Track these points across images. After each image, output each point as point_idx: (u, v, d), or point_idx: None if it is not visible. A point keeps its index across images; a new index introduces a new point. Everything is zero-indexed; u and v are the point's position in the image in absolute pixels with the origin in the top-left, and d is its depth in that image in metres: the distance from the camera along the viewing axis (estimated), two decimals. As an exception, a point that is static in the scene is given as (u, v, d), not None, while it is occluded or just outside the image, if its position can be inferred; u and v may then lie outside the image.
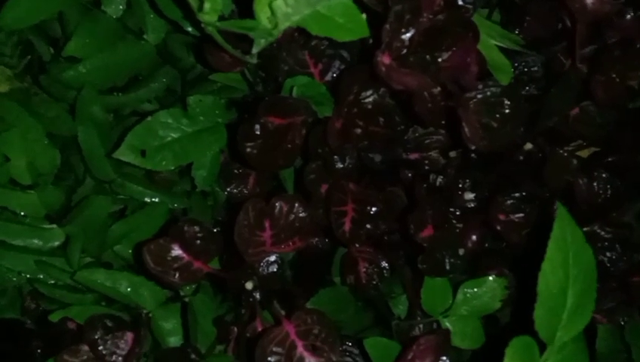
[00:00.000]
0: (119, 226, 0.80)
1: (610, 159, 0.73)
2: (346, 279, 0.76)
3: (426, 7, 0.59)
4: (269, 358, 0.64)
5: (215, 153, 0.76)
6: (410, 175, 0.72)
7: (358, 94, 0.65)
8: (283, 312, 0.68)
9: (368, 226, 0.69)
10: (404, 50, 0.59)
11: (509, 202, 0.69)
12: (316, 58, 0.69)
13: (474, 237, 0.71)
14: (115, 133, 0.79)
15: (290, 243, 0.69)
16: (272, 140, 0.66)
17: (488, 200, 0.70)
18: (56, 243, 0.80)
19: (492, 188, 0.70)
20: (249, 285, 0.70)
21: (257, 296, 0.70)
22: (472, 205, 0.70)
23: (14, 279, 0.81)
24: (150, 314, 0.76)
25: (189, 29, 0.77)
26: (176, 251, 0.69)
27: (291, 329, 0.64)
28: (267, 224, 0.67)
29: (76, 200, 0.80)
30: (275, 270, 0.70)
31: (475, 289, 0.73)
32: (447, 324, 0.73)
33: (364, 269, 0.75)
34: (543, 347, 0.53)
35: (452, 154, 0.71)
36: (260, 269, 0.70)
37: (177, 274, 0.69)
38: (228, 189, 0.77)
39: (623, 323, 0.73)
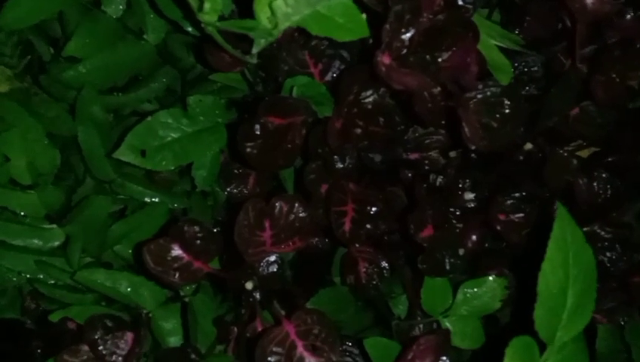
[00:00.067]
0: (119, 226, 0.80)
1: (610, 159, 0.73)
2: (346, 279, 0.76)
3: (426, 7, 0.59)
4: (269, 358, 0.64)
5: (215, 153, 0.76)
6: (410, 175, 0.72)
7: (358, 94, 0.65)
8: (283, 312, 0.68)
9: (368, 226, 0.69)
10: (404, 50, 0.59)
11: (509, 202, 0.69)
12: (316, 58, 0.69)
13: (474, 237, 0.71)
14: (115, 133, 0.79)
15: (290, 243, 0.69)
16: (272, 140, 0.66)
17: (488, 200, 0.70)
18: (56, 243, 0.80)
19: (492, 188, 0.70)
20: (249, 285, 0.70)
21: (257, 295, 0.70)
22: (472, 205, 0.70)
23: (14, 279, 0.81)
24: (150, 314, 0.76)
25: (189, 29, 0.77)
26: (177, 251, 0.69)
27: (291, 329, 0.64)
28: (267, 224, 0.67)
29: (76, 200, 0.80)
30: (275, 270, 0.70)
31: (475, 289, 0.73)
32: (447, 324, 0.73)
33: (364, 269, 0.75)
34: (543, 347, 0.53)
35: (452, 154, 0.71)
36: (260, 269, 0.70)
37: (177, 274, 0.69)
38: (228, 189, 0.77)
39: (623, 323, 0.73)
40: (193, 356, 0.71)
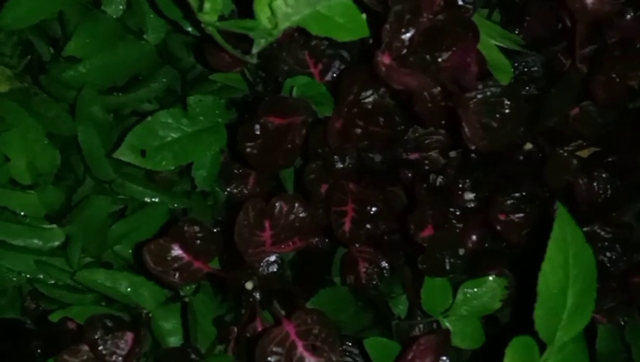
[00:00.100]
0: (119, 226, 0.80)
1: (610, 159, 0.73)
2: (346, 279, 0.76)
3: (426, 7, 0.59)
4: (269, 358, 0.64)
5: (215, 153, 0.76)
6: (410, 175, 0.72)
7: (358, 94, 0.65)
8: (283, 312, 0.68)
9: (368, 226, 0.69)
10: (404, 50, 0.59)
11: (509, 202, 0.69)
12: (316, 58, 0.69)
13: (474, 237, 0.71)
14: (115, 133, 0.79)
15: (290, 243, 0.69)
16: (272, 140, 0.66)
17: (488, 200, 0.70)
18: (56, 243, 0.80)
19: (492, 188, 0.70)
20: (249, 285, 0.70)
21: (257, 295, 0.70)
22: (472, 205, 0.70)
23: (14, 279, 0.81)
24: (150, 314, 0.76)
25: (189, 28, 0.77)
26: (177, 251, 0.69)
27: (291, 329, 0.64)
28: (267, 224, 0.67)
29: (76, 200, 0.80)
30: (275, 270, 0.70)
31: (475, 289, 0.73)
32: (447, 324, 0.73)
33: (364, 269, 0.75)
34: (543, 347, 0.53)
35: (452, 154, 0.71)
36: (260, 269, 0.70)
37: (177, 274, 0.69)
38: (228, 189, 0.77)
39: (623, 323, 0.73)
40: (193, 356, 0.71)
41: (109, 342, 0.71)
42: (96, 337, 0.71)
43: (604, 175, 0.70)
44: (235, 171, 0.77)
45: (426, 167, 0.71)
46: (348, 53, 0.69)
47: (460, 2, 0.62)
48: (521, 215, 0.69)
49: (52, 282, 0.80)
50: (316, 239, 0.75)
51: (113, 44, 0.80)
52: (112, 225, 0.80)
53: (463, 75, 0.61)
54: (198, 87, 0.80)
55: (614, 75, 0.67)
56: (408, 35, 0.59)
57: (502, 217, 0.69)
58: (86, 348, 0.71)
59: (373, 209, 0.69)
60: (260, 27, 0.58)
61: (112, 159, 0.76)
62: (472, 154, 0.69)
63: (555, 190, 0.71)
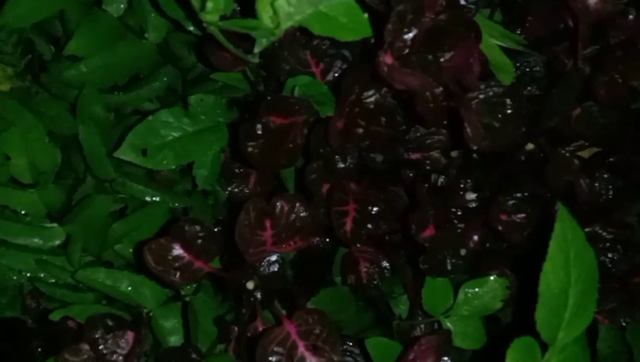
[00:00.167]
0: (120, 225, 0.80)
1: (611, 159, 0.73)
2: (346, 279, 0.76)
3: (428, 7, 0.59)
4: (270, 358, 0.63)
5: (216, 152, 0.76)
6: (411, 175, 0.71)
7: (360, 94, 0.65)
8: (284, 312, 0.68)
9: (369, 226, 0.69)
10: (407, 50, 0.59)
11: (510, 202, 0.69)
12: (318, 58, 0.69)
13: (475, 238, 0.71)
14: (116, 132, 0.79)
15: (291, 243, 0.69)
16: (273, 140, 0.66)
17: (490, 201, 0.70)
18: (57, 242, 0.80)
19: (493, 189, 0.70)
20: (250, 285, 0.69)
21: (258, 295, 0.70)
22: (474, 205, 0.70)
23: (15, 278, 0.81)
24: (151, 314, 0.76)
25: (191, 28, 0.77)
26: (177, 250, 0.69)
27: (292, 329, 0.64)
28: (268, 223, 0.67)
29: (77, 199, 0.80)
30: (275, 270, 0.70)
31: (477, 290, 0.72)
32: (449, 324, 0.73)
33: (365, 269, 0.75)
34: (544, 348, 0.53)
35: (453, 154, 0.71)
36: (261, 269, 0.70)
37: (178, 274, 0.69)
38: (229, 189, 0.77)
39: (624, 324, 0.73)
40: (194, 355, 0.71)
41: (109, 341, 0.71)
42: (97, 336, 0.71)
43: (605, 175, 0.70)
44: (236, 170, 0.77)
45: (428, 167, 0.71)
46: (350, 52, 0.69)
47: (463, 2, 0.62)
48: (523, 215, 0.69)
49: (53, 281, 0.80)
50: (317, 239, 0.75)
51: (114, 43, 0.80)
52: (113, 224, 0.80)
53: (465, 75, 0.61)
54: (199, 86, 0.79)
55: (617, 76, 0.67)
56: (410, 34, 0.59)
57: (503, 217, 0.69)
58: (86, 347, 0.71)
59: (375, 209, 0.69)
60: (262, 26, 0.58)
61: (112, 158, 0.76)
62: (474, 155, 0.69)
63: (557, 190, 0.71)
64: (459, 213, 0.69)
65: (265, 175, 0.77)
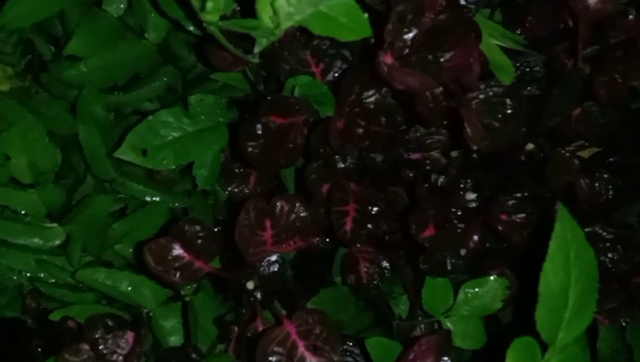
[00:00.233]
0: (120, 225, 0.80)
1: (611, 159, 0.73)
2: (346, 279, 0.76)
3: (428, 7, 0.59)
4: (270, 358, 0.63)
5: (216, 152, 0.76)
6: (411, 175, 0.71)
7: (360, 94, 0.65)
8: (284, 312, 0.68)
9: (369, 226, 0.69)
10: (407, 50, 0.59)
11: (510, 202, 0.69)
12: (318, 58, 0.69)
13: (475, 238, 0.71)
14: (116, 132, 0.79)
15: (291, 243, 0.69)
16: (273, 140, 0.66)
17: (490, 201, 0.70)
18: (57, 242, 0.80)
19: (493, 189, 0.70)
20: (250, 285, 0.69)
21: (258, 295, 0.70)
22: (474, 205, 0.70)
23: (15, 278, 0.81)
24: (151, 314, 0.76)
25: (191, 28, 0.77)
26: (177, 250, 0.69)
27: (292, 329, 0.64)
28: (268, 223, 0.67)
29: (77, 199, 0.80)
30: (275, 270, 0.70)
31: (477, 289, 0.72)
32: (449, 324, 0.73)
33: (365, 269, 0.75)
34: (544, 348, 0.53)
35: (453, 154, 0.71)
36: (261, 269, 0.70)
37: (178, 274, 0.69)
38: (229, 189, 0.77)
39: (624, 324, 0.73)
40: (194, 355, 0.71)
41: (109, 341, 0.71)
42: (97, 336, 0.71)
43: (605, 175, 0.70)
44: (236, 170, 0.77)
45: (428, 167, 0.71)
46: (350, 52, 0.69)
47: (463, 2, 0.62)
48: (523, 215, 0.69)
49: (53, 281, 0.80)
50: (317, 239, 0.75)
51: (114, 43, 0.80)
52: (113, 224, 0.80)
53: (465, 75, 0.61)
54: (199, 86, 0.79)
55: (617, 76, 0.67)
56: (410, 34, 0.59)
57: (503, 217, 0.69)
58: (86, 347, 0.71)
59: (375, 209, 0.69)
60: (262, 26, 0.58)
61: (112, 158, 0.76)
62: (474, 155, 0.69)
63: (557, 190, 0.71)
64: (459, 213, 0.69)
65: (265, 175, 0.77)
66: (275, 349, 0.64)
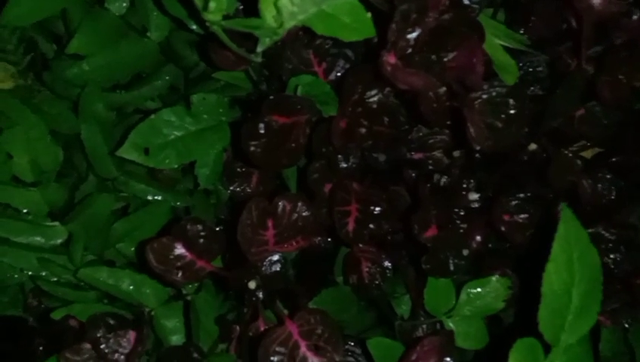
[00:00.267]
0: (122, 224, 0.80)
1: (614, 160, 0.73)
2: (348, 279, 0.76)
3: (432, 7, 0.59)
4: (272, 358, 0.63)
5: (218, 151, 0.76)
6: (414, 175, 0.71)
7: (363, 94, 0.65)
8: (286, 312, 0.68)
9: (372, 226, 0.69)
10: (410, 50, 0.59)
11: (513, 202, 0.69)
12: (320, 57, 0.69)
13: (478, 238, 0.71)
14: (118, 130, 0.79)
15: (293, 243, 0.68)
16: (275, 139, 0.66)
17: (492, 201, 0.69)
18: (59, 241, 0.80)
19: (496, 189, 0.70)
20: (252, 284, 0.69)
21: (260, 295, 0.70)
22: (476, 205, 0.69)
23: (16, 276, 0.81)
24: (152, 313, 0.76)
25: (193, 26, 0.77)
26: (179, 250, 0.69)
27: (294, 329, 0.64)
28: (270, 223, 0.66)
29: (79, 198, 0.80)
30: (277, 269, 0.70)
31: (479, 290, 0.72)
32: (451, 325, 0.73)
33: (367, 269, 0.75)
34: (547, 348, 0.53)
35: (456, 154, 0.71)
36: (263, 268, 0.70)
37: (180, 273, 0.69)
38: (231, 188, 0.77)
39: (627, 325, 0.73)
40: (195, 355, 0.71)
41: (111, 341, 0.71)
42: (99, 335, 0.71)
43: (608, 176, 0.70)
44: (238, 170, 0.77)
45: (430, 167, 0.71)
46: (352, 52, 0.69)
47: (466, 2, 0.62)
48: (525, 215, 0.69)
49: (54, 280, 0.80)
50: (319, 238, 0.75)
51: (116, 41, 0.80)
52: (115, 223, 0.80)
53: (469, 75, 0.61)
54: (201, 85, 0.79)
55: (620, 76, 0.67)
56: (414, 34, 0.59)
57: (506, 218, 0.69)
58: (88, 346, 0.71)
59: (377, 209, 0.69)
60: (265, 26, 0.58)
61: (114, 157, 0.76)
62: (477, 155, 0.69)
63: (559, 191, 0.71)
64: (461, 213, 0.69)
65: (267, 174, 0.77)
66: (277, 349, 0.64)
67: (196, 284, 0.76)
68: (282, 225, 0.67)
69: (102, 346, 0.71)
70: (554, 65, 0.71)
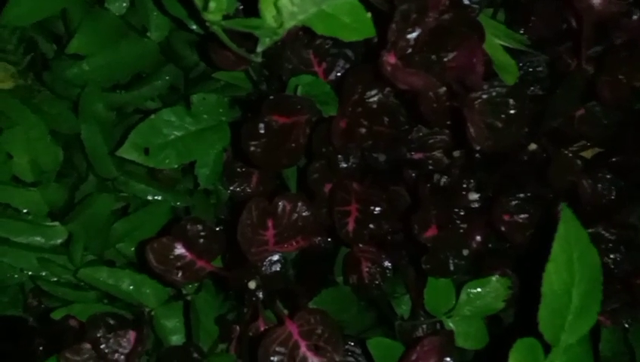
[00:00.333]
0: (122, 224, 0.80)
1: (614, 160, 0.73)
2: (348, 279, 0.76)
3: (432, 7, 0.59)
4: (272, 358, 0.63)
5: (218, 151, 0.76)
6: (414, 175, 0.71)
7: (363, 94, 0.65)
8: (286, 312, 0.68)
9: (372, 226, 0.69)
10: (410, 50, 0.59)
11: (513, 202, 0.69)
12: (320, 57, 0.69)
13: (478, 238, 0.71)
14: (118, 130, 0.79)
15: (293, 243, 0.68)
16: (275, 139, 0.66)
17: (492, 201, 0.69)
18: (59, 241, 0.80)
19: (496, 189, 0.70)
20: (252, 284, 0.69)
21: (260, 295, 0.70)
22: (476, 205, 0.69)
23: (17, 276, 0.81)
24: (152, 313, 0.76)
25: (193, 26, 0.77)
26: (179, 250, 0.69)
27: (294, 329, 0.64)
28: (270, 223, 0.66)
29: (79, 198, 0.80)
30: (277, 269, 0.70)
31: (479, 290, 0.72)
32: (451, 325, 0.73)
33: (367, 269, 0.75)
34: (547, 348, 0.53)
35: (456, 154, 0.71)
36: (263, 268, 0.70)
37: (180, 273, 0.69)
38: (231, 188, 0.77)
39: (627, 325, 0.73)
40: (195, 355, 0.71)
41: (111, 341, 0.71)
42: (99, 335, 0.71)
43: (608, 176, 0.70)
44: (238, 170, 0.77)
45: (430, 167, 0.71)
46: (352, 52, 0.69)
47: (466, 2, 0.62)
48: (525, 215, 0.69)
49: (54, 280, 0.80)
50: (319, 238, 0.75)
51: (116, 41, 0.80)
52: (115, 223, 0.80)
53: (469, 75, 0.61)
54: (201, 85, 0.79)
55: (620, 76, 0.67)
56: (414, 34, 0.59)
57: (506, 218, 0.69)
58: (88, 346, 0.71)
59: (377, 209, 0.69)
60: (265, 26, 0.58)
61: (114, 157, 0.76)
62: (477, 155, 0.69)
63: (559, 191, 0.71)
64: (461, 213, 0.69)
65: (267, 174, 0.77)
66: (277, 349, 0.64)
67: (196, 284, 0.76)
68: (282, 225, 0.67)
69: (102, 346, 0.71)
70: (554, 65, 0.71)
